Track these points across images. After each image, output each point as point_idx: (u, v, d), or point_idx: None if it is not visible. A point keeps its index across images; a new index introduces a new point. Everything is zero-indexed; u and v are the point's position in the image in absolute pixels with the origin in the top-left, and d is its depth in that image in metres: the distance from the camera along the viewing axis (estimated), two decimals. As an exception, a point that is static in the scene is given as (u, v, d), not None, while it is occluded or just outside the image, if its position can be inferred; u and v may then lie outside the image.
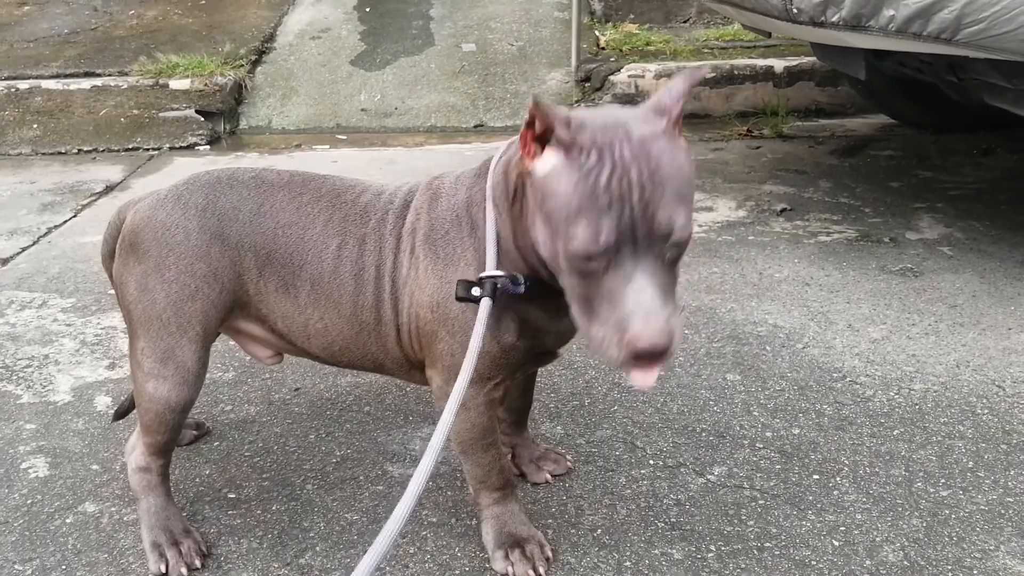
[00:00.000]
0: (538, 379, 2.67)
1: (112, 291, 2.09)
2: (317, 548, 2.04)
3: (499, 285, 1.70)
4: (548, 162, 1.52)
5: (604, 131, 1.48)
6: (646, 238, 1.45)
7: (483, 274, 1.72)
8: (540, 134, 1.53)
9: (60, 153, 5.43)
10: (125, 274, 1.97)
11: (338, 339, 1.96)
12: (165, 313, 1.92)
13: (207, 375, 2.68)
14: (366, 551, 1.32)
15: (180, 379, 1.96)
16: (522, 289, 1.72)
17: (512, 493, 2.02)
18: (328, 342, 1.97)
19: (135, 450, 2.06)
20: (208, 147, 5.46)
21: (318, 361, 2.08)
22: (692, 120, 5.66)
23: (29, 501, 2.22)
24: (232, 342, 2.48)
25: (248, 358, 2.86)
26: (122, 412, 2.39)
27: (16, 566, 2.01)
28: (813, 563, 1.96)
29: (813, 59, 5.71)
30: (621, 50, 6.21)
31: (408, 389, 2.65)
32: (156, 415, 1.97)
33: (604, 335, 1.48)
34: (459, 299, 1.74)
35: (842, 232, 3.82)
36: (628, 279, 1.45)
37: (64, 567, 2.00)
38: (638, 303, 1.43)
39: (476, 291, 1.71)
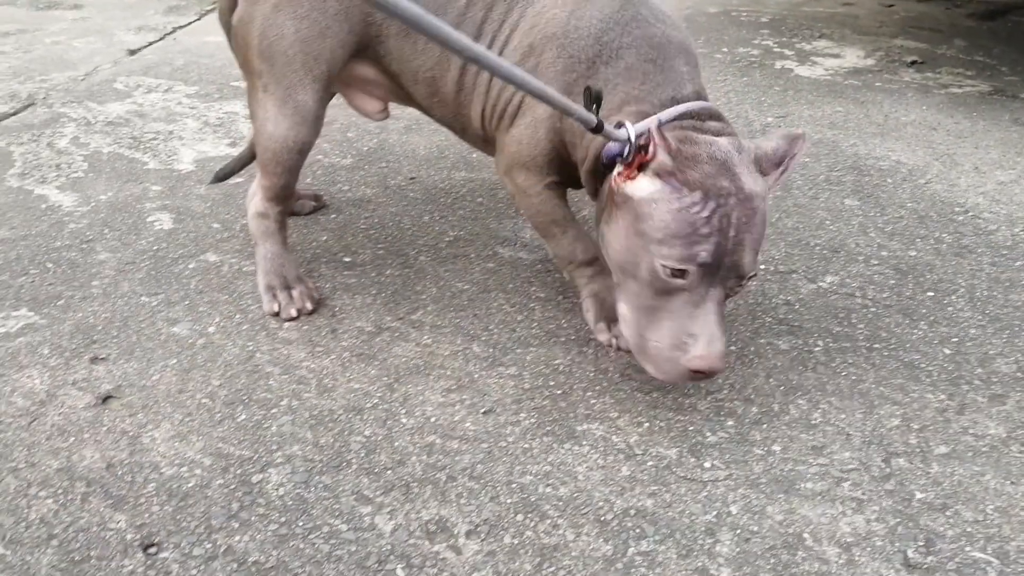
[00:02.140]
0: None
1: (234, 50, 2.10)
2: (428, 308, 2.09)
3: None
4: (646, 187, 1.61)
5: (712, 174, 1.57)
6: (727, 272, 1.59)
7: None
8: (646, 161, 1.60)
9: (185, -37, 5.48)
10: (254, 10, 1.96)
11: (440, 91, 2.00)
12: (292, 49, 1.93)
13: (325, 159, 2.75)
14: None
15: (300, 119, 1.98)
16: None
17: (605, 269, 2.02)
18: (431, 91, 2.02)
19: (255, 196, 2.12)
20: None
21: (419, 109, 2.12)
22: (824, -25, 5.45)
23: (155, 247, 2.31)
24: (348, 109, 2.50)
25: (366, 148, 2.89)
26: (222, 175, 2.43)
27: (143, 298, 2.10)
28: (923, 366, 1.95)
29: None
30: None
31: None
32: (274, 154, 2.01)
33: (661, 347, 1.62)
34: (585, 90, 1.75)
35: (975, 86, 3.67)
36: (699, 304, 1.59)
37: (187, 303, 2.08)
38: (704, 327, 1.59)
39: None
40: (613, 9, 1.82)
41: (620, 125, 1.61)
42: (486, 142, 2.07)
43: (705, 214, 1.56)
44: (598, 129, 1.48)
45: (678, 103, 1.73)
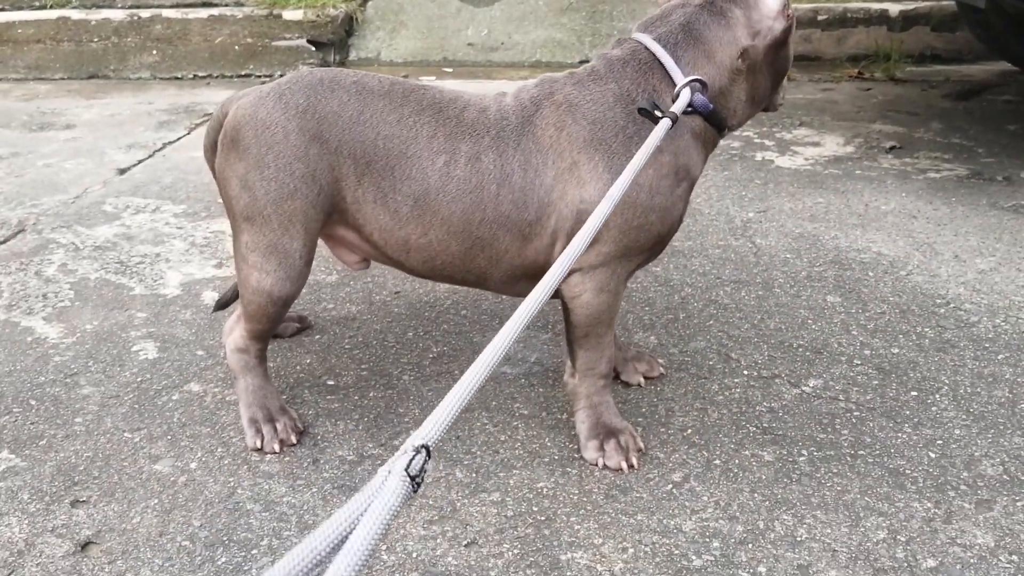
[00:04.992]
0: (632, 294, 2.68)
1: (218, 190, 2.13)
2: (411, 431, 2.08)
3: (692, 102, 1.86)
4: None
5: None
6: None
7: (680, 83, 1.88)
8: None
9: (177, 78, 5.59)
10: (227, 169, 1.99)
11: (442, 254, 1.96)
12: (266, 210, 1.93)
13: (311, 277, 2.77)
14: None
15: (283, 274, 1.98)
16: (711, 106, 1.91)
17: (610, 385, 2.04)
18: (430, 256, 1.98)
19: (233, 332, 2.13)
20: (315, 76, 5.55)
21: (411, 273, 2.08)
22: (802, 61, 5.52)
23: (139, 379, 2.32)
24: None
25: (349, 262, 2.92)
26: (223, 303, 2.45)
27: (125, 434, 2.10)
28: (908, 472, 1.94)
29: (930, 3, 5.53)
30: (732, -9, 6.07)
31: (504, 297, 2.67)
32: (258, 306, 2.02)
33: None
34: (640, 111, 1.86)
35: (952, 170, 3.71)
36: None
37: (169, 437, 2.09)
38: None
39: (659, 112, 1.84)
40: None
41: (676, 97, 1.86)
42: (519, 280, 2.01)
43: None
44: (675, 118, 1.78)
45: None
